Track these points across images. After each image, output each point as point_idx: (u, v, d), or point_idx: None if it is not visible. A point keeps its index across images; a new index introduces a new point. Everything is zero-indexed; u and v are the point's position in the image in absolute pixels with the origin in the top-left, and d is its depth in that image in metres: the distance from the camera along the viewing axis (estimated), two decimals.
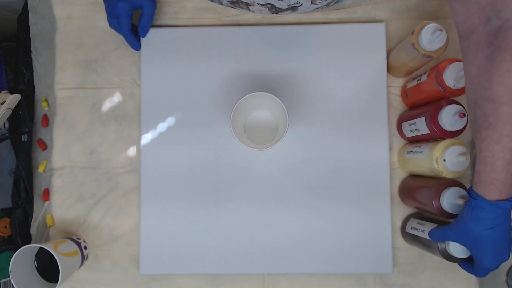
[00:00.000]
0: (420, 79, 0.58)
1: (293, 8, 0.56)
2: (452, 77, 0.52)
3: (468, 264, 0.53)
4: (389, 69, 0.65)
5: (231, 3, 0.58)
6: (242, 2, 0.55)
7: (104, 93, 0.68)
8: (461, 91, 0.53)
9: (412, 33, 0.55)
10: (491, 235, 0.46)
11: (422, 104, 0.61)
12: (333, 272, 0.64)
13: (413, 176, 0.64)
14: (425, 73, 0.57)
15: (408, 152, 0.62)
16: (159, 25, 0.68)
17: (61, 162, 0.67)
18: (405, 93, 0.64)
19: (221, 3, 0.62)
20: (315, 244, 0.64)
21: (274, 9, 0.57)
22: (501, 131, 0.42)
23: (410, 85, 0.62)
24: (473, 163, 0.65)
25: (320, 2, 0.54)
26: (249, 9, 0.58)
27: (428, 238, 0.56)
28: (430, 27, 0.53)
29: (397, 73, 0.65)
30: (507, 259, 0.48)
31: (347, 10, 0.67)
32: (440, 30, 0.52)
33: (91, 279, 0.66)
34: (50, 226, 0.67)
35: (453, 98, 0.55)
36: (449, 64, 0.52)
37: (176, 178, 0.65)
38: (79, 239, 0.64)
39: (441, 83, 0.53)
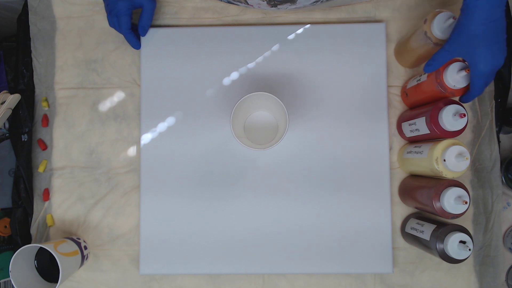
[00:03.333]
0: (420, 79, 0.58)
1: (291, 1, 0.56)
2: (452, 77, 0.52)
3: (464, 95, 0.54)
4: (397, 57, 0.65)
5: None
6: None
7: (104, 93, 0.68)
8: (461, 91, 0.53)
9: (425, 22, 0.55)
10: (486, 32, 0.48)
11: (422, 104, 0.60)
12: (333, 272, 0.64)
13: (413, 176, 0.64)
14: (424, 73, 0.57)
15: (408, 152, 0.62)
16: (159, 25, 0.68)
17: (61, 162, 0.67)
18: (405, 93, 0.64)
19: (221, 0, 0.62)
20: (315, 244, 0.64)
21: (272, 2, 0.57)
22: None
23: (410, 85, 0.62)
24: (473, 163, 0.66)
25: None
26: (248, 3, 0.58)
27: (427, 239, 0.56)
28: (443, 15, 0.53)
29: (405, 61, 0.64)
30: (502, 63, 0.49)
31: (347, 9, 0.67)
32: (453, 18, 0.52)
33: (91, 279, 0.66)
34: (50, 226, 0.67)
35: (453, 99, 0.54)
36: (449, 64, 0.52)
37: (176, 178, 0.65)
38: (79, 239, 0.64)
39: (441, 83, 0.53)
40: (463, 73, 0.51)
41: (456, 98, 0.56)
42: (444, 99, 0.55)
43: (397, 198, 0.65)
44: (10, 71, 0.72)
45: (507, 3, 0.64)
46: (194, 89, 0.66)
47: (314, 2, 0.58)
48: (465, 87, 0.53)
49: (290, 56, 0.66)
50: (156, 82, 0.66)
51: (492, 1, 0.46)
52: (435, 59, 0.53)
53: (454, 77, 0.52)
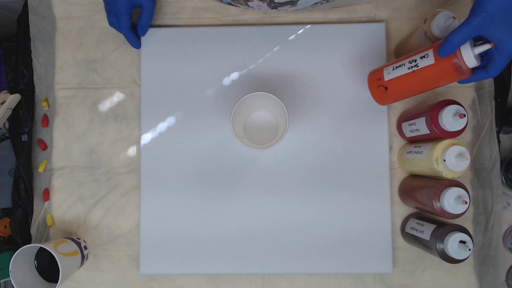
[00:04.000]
0: (417, 65, 0.51)
1: (292, 3, 0.56)
2: (473, 54, 0.46)
3: (478, 72, 0.49)
4: (398, 56, 0.65)
5: (231, 0, 0.58)
6: None
7: (104, 93, 0.68)
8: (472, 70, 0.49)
9: (425, 22, 0.54)
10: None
11: (414, 94, 0.55)
12: (333, 272, 0.64)
13: (413, 176, 0.64)
14: (423, 57, 0.50)
15: (408, 152, 0.62)
16: (159, 25, 0.68)
17: (61, 162, 0.67)
18: (382, 87, 0.55)
19: (221, 1, 0.62)
20: (315, 243, 0.64)
21: (272, 4, 0.57)
22: None
23: (391, 76, 0.54)
24: (473, 163, 0.66)
25: None
26: (248, 5, 0.58)
27: (427, 239, 0.56)
28: (442, 15, 0.52)
29: None
30: None
31: (347, 9, 0.67)
32: (453, 18, 0.52)
33: (91, 279, 0.66)
34: (50, 226, 0.67)
35: (452, 99, 0.54)
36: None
37: (176, 178, 0.65)
38: (79, 239, 0.64)
39: (460, 61, 0.47)
40: (487, 46, 0.46)
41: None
42: (444, 99, 0.54)
43: (397, 198, 0.65)
44: (10, 71, 0.72)
45: None
46: (194, 89, 0.66)
47: (314, 4, 0.58)
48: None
49: (290, 56, 0.66)
50: (156, 82, 0.66)
51: None
52: (452, 41, 0.46)
53: (474, 54, 0.47)
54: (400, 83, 0.54)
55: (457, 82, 0.50)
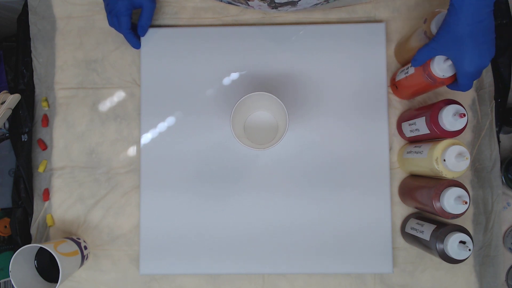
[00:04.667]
0: (407, 72, 0.58)
1: (292, 3, 0.56)
2: (440, 67, 0.52)
3: (454, 83, 0.54)
4: (398, 56, 0.65)
5: None
6: None
7: (104, 93, 0.68)
8: (451, 78, 0.53)
9: (425, 22, 0.55)
10: (472, 32, 0.47)
11: (416, 94, 0.61)
12: (333, 272, 0.64)
13: (413, 176, 0.64)
14: (411, 65, 0.57)
15: (408, 152, 0.62)
16: (159, 25, 0.68)
17: (61, 162, 0.67)
18: (394, 86, 0.64)
19: (221, 1, 0.63)
20: (315, 243, 0.64)
21: (273, 4, 0.57)
22: None
23: (398, 77, 0.62)
24: (473, 163, 0.66)
25: None
26: (248, 5, 0.58)
27: (427, 239, 0.56)
28: (442, 15, 0.53)
29: (405, 61, 0.64)
30: (487, 64, 0.49)
31: (347, 10, 0.67)
32: None
33: (91, 279, 0.66)
34: (50, 226, 0.67)
35: (452, 99, 0.54)
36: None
37: (176, 178, 0.65)
38: (79, 239, 0.64)
39: (430, 74, 0.53)
40: (450, 61, 0.51)
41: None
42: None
43: (397, 198, 0.65)
44: (10, 71, 0.72)
45: (501, 3, 0.64)
46: (194, 89, 0.66)
47: (315, 4, 0.58)
48: (454, 74, 0.53)
49: (290, 56, 0.66)
50: (156, 82, 0.66)
51: (479, 1, 0.46)
52: (420, 55, 0.53)
53: (442, 67, 0.52)
54: (402, 85, 0.61)
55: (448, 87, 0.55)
